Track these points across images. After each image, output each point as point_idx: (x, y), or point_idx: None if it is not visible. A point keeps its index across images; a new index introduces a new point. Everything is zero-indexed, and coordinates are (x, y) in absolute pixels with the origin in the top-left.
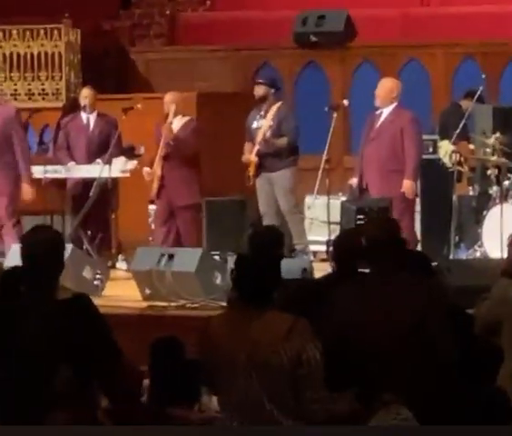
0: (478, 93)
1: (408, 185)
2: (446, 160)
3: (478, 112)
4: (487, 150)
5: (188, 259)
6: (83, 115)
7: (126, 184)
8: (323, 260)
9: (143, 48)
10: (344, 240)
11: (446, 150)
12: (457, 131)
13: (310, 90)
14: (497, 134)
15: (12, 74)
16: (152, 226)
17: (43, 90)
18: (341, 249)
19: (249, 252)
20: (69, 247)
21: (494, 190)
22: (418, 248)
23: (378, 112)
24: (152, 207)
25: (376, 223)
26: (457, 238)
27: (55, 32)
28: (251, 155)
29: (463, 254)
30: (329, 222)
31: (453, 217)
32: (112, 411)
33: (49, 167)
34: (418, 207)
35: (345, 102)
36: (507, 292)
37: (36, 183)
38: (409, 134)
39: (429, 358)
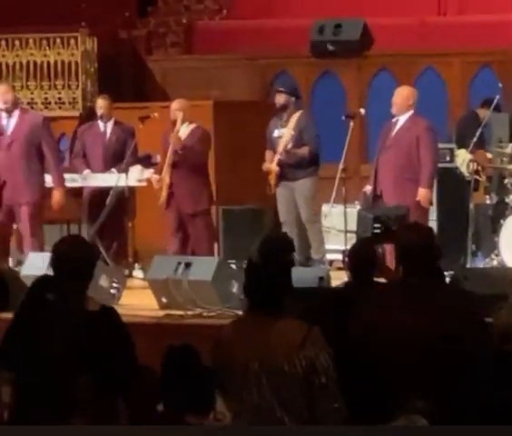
0: (495, 101)
1: (423, 194)
2: (463, 169)
3: (495, 120)
4: (504, 159)
5: (205, 267)
6: (100, 124)
7: (143, 193)
8: (340, 268)
9: (160, 57)
10: (359, 249)
11: (463, 158)
12: (474, 139)
13: (326, 99)
14: None
15: (28, 83)
16: None
17: (59, 99)
18: (356, 258)
19: (258, 259)
20: None
21: (511, 198)
22: None
23: (394, 120)
24: None
25: (413, 229)
26: (473, 247)
27: (72, 40)
28: (272, 164)
29: (480, 263)
30: (346, 231)
31: (470, 226)
32: (129, 419)
33: (66, 176)
34: (434, 216)
35: (362, 110)
36: None
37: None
38: (425, 143)
39: (460, 369)
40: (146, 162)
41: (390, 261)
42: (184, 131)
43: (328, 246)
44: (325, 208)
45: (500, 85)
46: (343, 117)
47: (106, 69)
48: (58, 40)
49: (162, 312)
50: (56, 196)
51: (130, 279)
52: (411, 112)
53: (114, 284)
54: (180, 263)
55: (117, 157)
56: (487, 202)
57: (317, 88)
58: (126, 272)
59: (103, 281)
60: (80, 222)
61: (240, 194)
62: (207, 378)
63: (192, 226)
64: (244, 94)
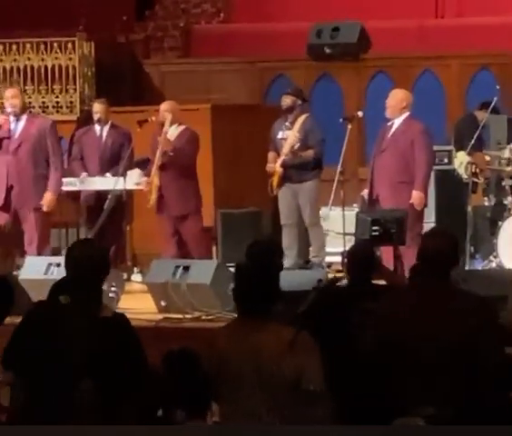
0: (493, 103)
1: (416, 196)
2: (461, 171)
3: (493, 122)
4: (502, 161)
5: (203, 271)
6: (97, 128)
7: (141, 197)
8: (338, 271)
9: (158, 60)
10: (357, 251)
11: (461, 161)
12: (472, 142)
13: (324, 102)
14: None
15: (26, 87)
16: None
17: (57, 103)
18: (355, 260)
19: (246, 264)
20: None
21: (509, 200)
22: None
23: (389, 123)
24: None
25: (439, 235)
26: (472, 249)
27: (69, 45)
28: (275, 165)
29: (478, 265)
30: (345, 234)
31: (468, 228)
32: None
33: (64, 179)
34: (432, 217)
35: (359, 113)
36: None
37: None
38: (420, 145)
39: (475, 374)
40: (144, 165)
41: (389, 263)
42: (173, 133)
43: (326, 249)
44: (323, 211)
45: (498, 88)
46: (341, 120)
47: (104, 73)
48: (56, 44)
49: (160, 316)
50: (47, 198)
51: (128, 282)
52: (406, 115)
53: (113, 288)
54: (178, 267)
55: (114, 161)
56: (486, 204)
57: (315, 91)
58: (125, 275)
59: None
60: (78, 226)
61: (238, 198)
62: (205, 381)
63: (182, 228)
64: (242, 97)
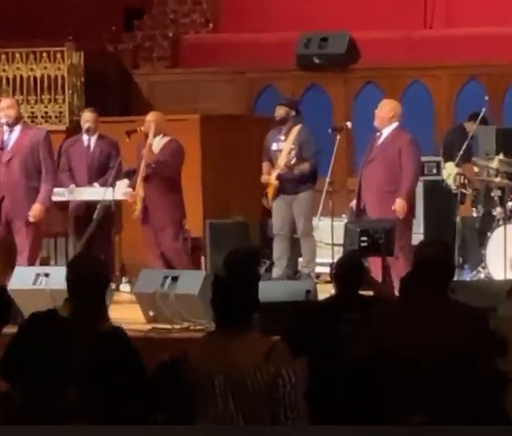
0: (482, 114)
1: (399, 204)
2: (449, 181)
3: (482, 133)
4: (491, 171)
5: (191, 281)
6: (85, 138)
7: (130, 207)
8: (327, 282)
9: (146, 71)
10: (345, 262)
11: (450, 172)
12: (461, 152)
13: (313, 112)
14: (501, 156)
15: (15, 97)
16: None
17: (46, 113)
18: (342, 271)
19: (224, 273)
20: None
21: (497, 211)
22: None
23: (378, 133)
24: None
25: (431, 245)
26: (460, 259)
27: (58, 55)
28: (270, 177)
29: (467, 276)
30: (333, 245)
31: (456, 239)
32: None
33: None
34: (421, 228)
35: (348, 124)
36: None
37: None
38: (407, 155)
39: (469, 387)
40: (132, 176)
41: (377, 273)
42: (158, 144)
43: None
44: (312, 221)
45: (487, 98)
46: (330, 130)
47: (93, 83)
48: (45, 54)
49: (149, 326)
50: (36, 208)
51: (117, 292)
52: (395, 125)
53: None
54: (167, 277)
55: (101, 171)
56: (474, 214)
57: (303, 101)
58: (113, 285)
59: None
60: (67, 236)
61: (226, 208)
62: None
63: (163, 239)
64: (231, 107)
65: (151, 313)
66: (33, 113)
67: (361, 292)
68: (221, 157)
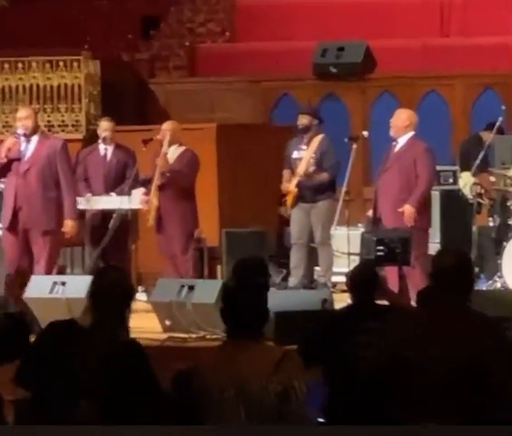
0: (498, 124)
1: (407, 210)
2: (466, 191)
3: (498, 143)
4: (507, 181)
5: (208, 290)
6: (101, 147)
7: (145, 215)
8: (343, 291)
9: (163, 80)
10: (359, 271)
11: (466, 181)
12: (477, 162)
13: (329, 121)
14: None
15: (31, 106)
16: None
17: (62, 122)
18: (357, 280)
19: (232, 284)
20: (88, 279)
21: None
22: None
23: (394, 142)
24: None
25: (451, 254)
26: (476, 269)
27: (75, 64)
28: (290, 185)
29: (483, 285)
30: (349, 254)
31: (473, 248)
32: None
33: None
34: (437, 238)
35: (364, 133)
36: None
37: None
38: (423, 163)
39: (485, 396)
40: (148, 185)
41: (393, 283)
42: (173, 153)
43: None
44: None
45: (503, 108)
46: (346, 139)
47: (109, 92)
48: (61, 63)
49: (165, 335)
50: (68, 226)
51: (133, 301)
52: (410, 134)
53: None
54: (183, 286)
55: (118, 180)
56: (490, 224)
57: (320, 111)
58: None
59: None
60: (83, 245)
61: (242, 217)
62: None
63: (175, 248)
64: (247, 116)
65: (167, 322)
66: (49, 121)
67: (377, 302)
68: (238, 166)
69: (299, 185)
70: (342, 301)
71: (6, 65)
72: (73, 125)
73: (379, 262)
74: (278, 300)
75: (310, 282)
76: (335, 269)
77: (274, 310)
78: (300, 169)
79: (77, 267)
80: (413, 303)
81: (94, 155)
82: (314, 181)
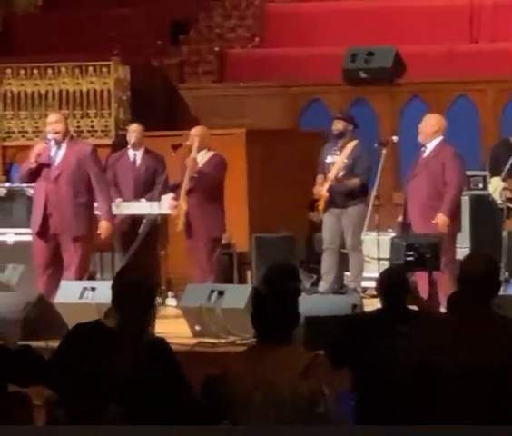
0: None
1: (441, 219)
2: (496, 196)
3: None
4: None
5: (238, 295)
6: (131, 152)
7: (174, 220)
8: (373, 296)
9: (192, 85)
10: (388, 276)
11: (495, 186)
12: (507, 167)
13: (359, 126)
14: None
15: (61, 112)
16: None
17: (92, 127)
18: (386, 285)
19: (263, 289)
20: None
21: None
22: None
23: (423, 148)
24: None
25: (477, 259)
26: (506, 274)
27: (104, 69)
28: (322, 189)
29: None
30: (379, 259)
31: (503, 253)
32: None
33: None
34: (467, 243)
35: (394, 138)
36: None
37: None
38: (452, 168)
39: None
40: (177, 190)
41: (423, 288)
42: (202, 158)
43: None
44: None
45: None
46: (376, 145)
47: (138, 97)
48: (91, 68)
49: (195, 340)
50: (103, 227)
51: (163, 307)
52: (439, 139)
53: None
54: (213, 291)
55: (148, 186)
56: None
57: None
58: (159, 300)
59: None
60: (113, 250)
61: (272, 222)
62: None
63: (201, 252)
64: (276, 121)
65: (197, 328)
66: (79, 127)
67: (408, 306)
68: (267, 171)
69: (330, 190)
70: (372, 306)
71: (36, 71)
72: (102, 131)
73: (409, 267)
74: (308, 305)
75: (340, 288)
76: (365, 274)
77: (304, 315)
78: (331, 174)
79: (107, 272)
80: (442, 309)
81: (124, 160)
82: (345, 186)
